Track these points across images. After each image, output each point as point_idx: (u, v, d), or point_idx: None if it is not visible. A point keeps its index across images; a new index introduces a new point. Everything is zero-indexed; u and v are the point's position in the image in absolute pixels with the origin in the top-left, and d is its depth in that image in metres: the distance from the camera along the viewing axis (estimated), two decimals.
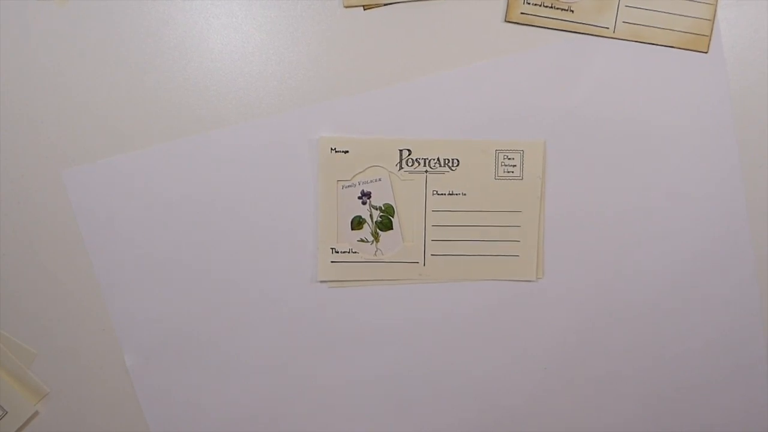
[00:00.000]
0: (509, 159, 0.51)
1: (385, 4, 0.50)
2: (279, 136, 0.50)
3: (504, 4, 0.51)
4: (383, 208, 0.51)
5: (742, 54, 0.52)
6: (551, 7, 0.51)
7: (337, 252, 0.51)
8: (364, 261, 0.51)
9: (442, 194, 0.50)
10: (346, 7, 0.50)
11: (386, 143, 0.50)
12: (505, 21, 0.51)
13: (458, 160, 0.50)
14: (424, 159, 0.50)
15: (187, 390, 0.51)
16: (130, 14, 0.49)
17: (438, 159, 0.50)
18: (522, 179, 0.51)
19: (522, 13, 0.51)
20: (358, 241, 0.51)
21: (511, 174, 0.51)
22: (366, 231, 0.51)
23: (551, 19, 0.51)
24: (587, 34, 0.51)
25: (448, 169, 0.50)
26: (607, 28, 0.51)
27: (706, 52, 0.52)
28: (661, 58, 0.51)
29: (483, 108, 0.50)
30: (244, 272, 0.51)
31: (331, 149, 0.49)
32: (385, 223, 0.51)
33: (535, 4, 0.50)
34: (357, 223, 0.51)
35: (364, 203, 0.50)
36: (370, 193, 0.50)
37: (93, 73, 0.49)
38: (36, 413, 0.51)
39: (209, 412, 0.52)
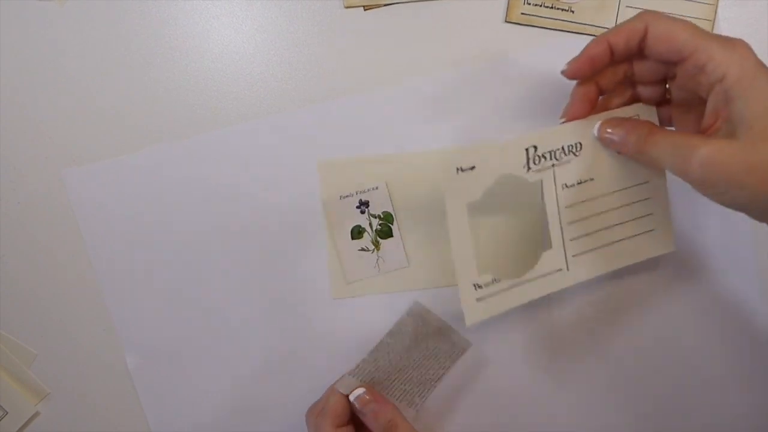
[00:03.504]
0: None
1: (385, 4, 0.50)
2: (279, 136, 0.50)
3: (504, 4, 0.51)
4: (382, 216, 0.50)
5: None
6: (551, 8, 0.51)
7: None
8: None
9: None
10: (347, 7, 0.50)
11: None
12: (505, 21, 0.51)
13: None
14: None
15: (188, 390, 0.51)
16: (130, 14, 0.49)
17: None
18: None
19: (522, 13, 0.51)
20: (359, 250, 0.51)
21: None
22: (366, 240, 0.51)
23: (551, 20, 0.51)
24: (587, 34, 0.51)
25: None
26: (607, 28, 0.51)
27: None
28: None
29: (483, 108, 0.50)
30: (244, 272, 0.51)
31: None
32: (385, 231, 0.51)
33: (535, 5, 0.50)
34: (357, 233, 0.51)
35: (362, 212, 0.50)
36: (368, 202, 0.50)
37: (93, 73, 0.49)
38: (36, 413, 0.51)
39: (210, 412, 0.52)
